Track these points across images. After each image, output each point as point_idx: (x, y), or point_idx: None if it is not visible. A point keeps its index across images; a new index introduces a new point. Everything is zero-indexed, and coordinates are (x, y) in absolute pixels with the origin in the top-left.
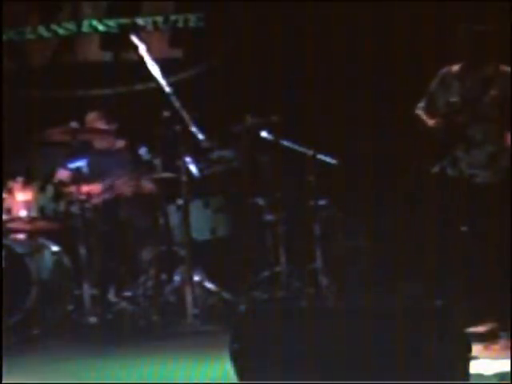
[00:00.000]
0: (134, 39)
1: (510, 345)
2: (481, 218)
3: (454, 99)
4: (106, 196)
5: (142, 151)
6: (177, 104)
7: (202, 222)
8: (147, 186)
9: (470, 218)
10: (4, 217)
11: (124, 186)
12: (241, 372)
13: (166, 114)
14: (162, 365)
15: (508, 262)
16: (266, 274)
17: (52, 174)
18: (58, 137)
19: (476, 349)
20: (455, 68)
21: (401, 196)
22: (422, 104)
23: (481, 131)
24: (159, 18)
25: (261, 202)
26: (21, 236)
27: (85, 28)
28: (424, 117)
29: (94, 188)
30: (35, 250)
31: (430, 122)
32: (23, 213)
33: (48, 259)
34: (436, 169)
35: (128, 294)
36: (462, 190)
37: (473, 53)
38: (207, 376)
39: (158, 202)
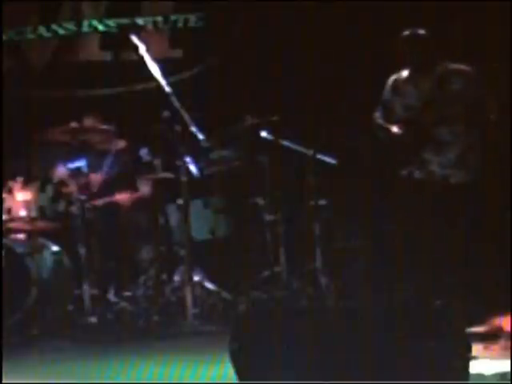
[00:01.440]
0: (134, 39)
1: (510, 345)
2: (457, 217)
3: (411, 103)
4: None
5: (143, 152)
6: (177, 104)
7: (201, 221)
8: (144, 189)
9: (446, 218)
10: (4, 217)
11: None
12: (241, 372)
13: (166, 114)
14: (161, 365)
15: (502, 261)
16: (266, 274)
17: (52, 174)
18: (58, 137)
19: (476, 349)
20: (404, 73)
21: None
22: (378, 113)
23: (448, 131)
24: (159, 18)
25: (261, 201)
26: (21, 236)
27: (85, 28)
28: (386, 125)
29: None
30: (35, 250)
31: (394, 129)
32: (23, 213)
33: (48, 259)
34: (404, 173)
35: (128, 293)
36: (434, 192)
37: (417, 58)
38: (207, 376)
39: (158, 203)
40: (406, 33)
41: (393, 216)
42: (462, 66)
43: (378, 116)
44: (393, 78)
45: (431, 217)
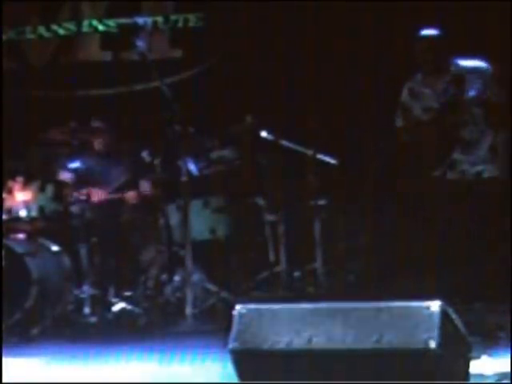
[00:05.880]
0: (134, 39)
1: (510, 345)
2: (493, 213)
3: (430, 104)
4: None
5: (144, 154)
6: (177, 104)
7: (201, 221)
8: (146, 189)
9: (481, 216)
10: (4, 217)
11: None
12: (241, 372)
13: (166, 114)
14: (162, 365)
15: None
16: (266, 274)
17: (52, 174)
18: (58, 137)
19: (476, 349)
20: (418, 77)
21: (400, 197)
22: (399, 118)
23: (475, 130)
24: (159, 18)
25: (261, 202)
26: (21, 236)
27: (85, 28)
28: (409, 128)
29: (98, 194)
30: (35, 250)
31: (419, 131)
32: (23, 213)
33: (48, 259)
34: (437, 173)
35: (128, 293)
36: (466, 191)
37: (430, 60)
38: (207, 376)
39: (158, 203)
40: (417, 36)
41: (394, 215)
42: (477, 63)
43: (398, 120)
44: (409, 81)
45: (467, 215)
